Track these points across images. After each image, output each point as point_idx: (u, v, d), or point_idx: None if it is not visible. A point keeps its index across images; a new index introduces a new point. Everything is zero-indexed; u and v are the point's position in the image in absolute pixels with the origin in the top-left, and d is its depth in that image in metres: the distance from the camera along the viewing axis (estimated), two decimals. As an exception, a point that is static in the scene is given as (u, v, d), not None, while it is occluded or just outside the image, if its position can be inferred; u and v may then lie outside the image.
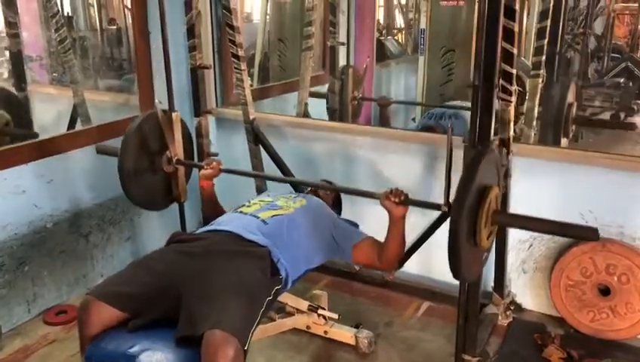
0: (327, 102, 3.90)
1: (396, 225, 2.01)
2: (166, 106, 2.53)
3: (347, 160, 2.94)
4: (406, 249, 2.52)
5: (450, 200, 1.87)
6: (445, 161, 1.89)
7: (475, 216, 1.72)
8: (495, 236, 1.94)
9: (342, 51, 3.98)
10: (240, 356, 1.54)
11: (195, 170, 2.60)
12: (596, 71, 5.00)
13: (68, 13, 3.30)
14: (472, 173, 1.72)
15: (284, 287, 1.95)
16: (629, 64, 4.79)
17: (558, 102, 3.35)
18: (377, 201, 2.08)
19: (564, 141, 3.41)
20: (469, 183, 1.69)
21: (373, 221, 2.29)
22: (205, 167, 2.35)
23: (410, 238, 2.53)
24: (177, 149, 2.50)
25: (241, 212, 2.13)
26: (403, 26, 5.49)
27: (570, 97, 3.44)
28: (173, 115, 2.49)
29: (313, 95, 3.64)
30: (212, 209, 2.36)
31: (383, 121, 3.97)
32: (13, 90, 2.92)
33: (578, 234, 1.88)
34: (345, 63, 3.95)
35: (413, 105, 4.30)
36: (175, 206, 2.74)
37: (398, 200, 1.96)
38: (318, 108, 3.78)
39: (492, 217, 1.79)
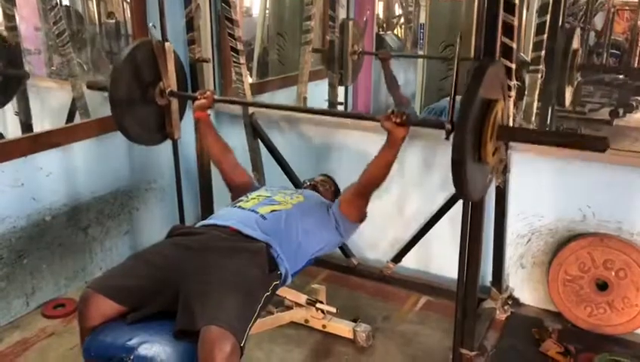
0: (328, 96, 3.89)
1: (392, 147, 1.99)
2: (159, 35, 2.45)
3: (346, 153, 2.94)
4: (412, 237, 2.52)
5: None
6: (453, 73, 1.83)
7: (480, 129, 1.67)
8: (500, 155, 1.86)
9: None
10: (236, 352, 1.54)
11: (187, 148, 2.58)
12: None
13: (66, 6, 3.29)
14: (476, 86, 1.65)
15: (282, 283, 1.95)
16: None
17: (563, 47, 3.30)
18: (377, 194, 2.08)
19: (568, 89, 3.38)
20: (474, 96, 1.62)
21: (375, 216, 2.30)
22: (199, 97, 2.35)
23: (415, 227, 2.55)
24: (170, 81, 2.45)
25: (239, 207, 2.13)
26: (402, 20, 5.48)
27: (576, 43, 3.40)
28: (167, 44, 2.42)
29: (315, 50, 3.57)
30: (212, 140, 2.37)
31: (387, 75, 3.89)
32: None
33: (585, 145, 1.76)
34: (345, 17, 3.87)
35: (415, 58, 4.26)
36: (174, 199, 2.75)
37: (400, 121, 1.94)
38: (317, 102, 3.78)
39: (497, 131, 1.73)
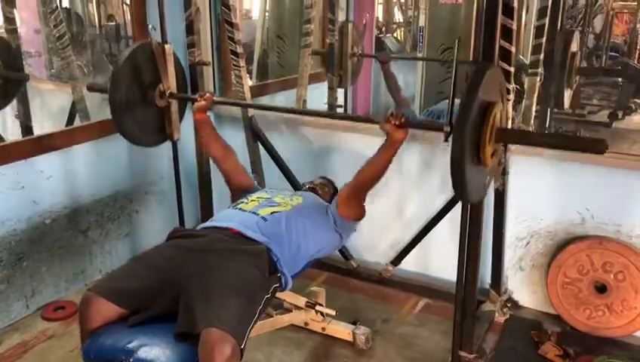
0: (327, 98, 3.90)
1: (391, 148, 2.00)
2: (158, 38, 2.46)
3: (345, 156, 2.94)
4: (411, 239, 2.52)
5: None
6: (452, 78, 1.83)
7: (479, 131, 1.68)
8: (498, 157, 1.87)
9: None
10: (237, 354, 1.55)
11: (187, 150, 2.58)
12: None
13: (66, 8, 3.29)
14: (474, 89, 1.66)
15: (282, 285, 1.95)
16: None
17: (561, 50, 3.31)
18: (376, 197, 2.08)
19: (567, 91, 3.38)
20: (472, 99, 1.63)
21: (374, 216, 2.30)
22: (198, 99, 2.35)
23: (414, 229, 2.55)
24: (170, 83, 2.45)
25: (240, 208, 2.13)
26: (402, 23, 5.50)
27: (574, 46, 3.41)
28: (167, 46, 2.43)
29: (314, 53, 3.58)
30: (213, 141, 2.38)
31: (387, 77, 3.89)
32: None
33: (584, 147, 1.79)
34: (344, 19, 3.87)
35: (414, 61, 4.28)
36: (173, 202, 2.75)
37: (399, 123, 1.94)
38: (317, 104, 3.78)
39: (496, 134, 1.74)
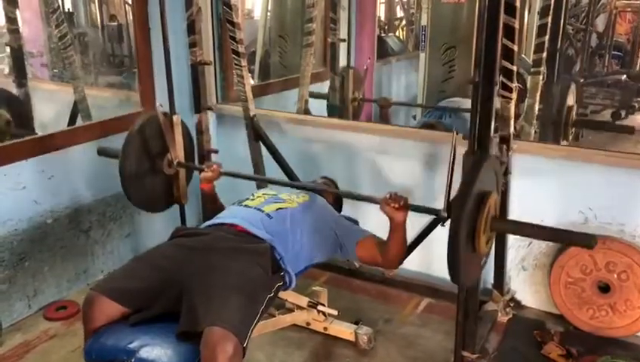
0: (328, 100, 3.90)
1: (397, 229, 2.01)
2: (166, 108, 2.52)
3: (348, 157, 2.94)
4: (413, 239, 2.52)
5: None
6: (448, 164, 1.88)
7: (475, 222, 1.74)
8: (493, 241, 1.97)
9: (342, 49, 3.96)
10: (239, 353, 1.55)
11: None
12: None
13: (68, 9, 3.30)
14: (471, 181, 1.74)
15: (286, 283, 1.95)
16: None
17: (558, 103, 3.33)
18: (379, 196, 2.07)
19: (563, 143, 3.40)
20: (469, 190, 1.71)
21: (373, 216, 2.29)
22: (206, 169, 2.35)
23: (410, 235, 2.54)
24: (178, 152, 2.51)
25: (245, 205, 2.13)
26: (404, 22, 5.49)
27: (571, 99, 3.42)
28: (174, 117, 2.50)
29: (313, 95, 3.63)
30: (213, 209, 2.36)
31: (384, 121, 3.97)
32: (14, 88, 2.92)
33: (574, 241, 1.91)
34: (345, 63, 3.94)
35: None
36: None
37: (398, 206, 1.96)
38: (318, 104, 3.78)
39: (491, 223, 1.81)
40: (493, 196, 1.81)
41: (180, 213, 2.74)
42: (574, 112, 3.47)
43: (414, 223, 2.63)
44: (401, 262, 2.14)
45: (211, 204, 2.38)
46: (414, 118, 4.23)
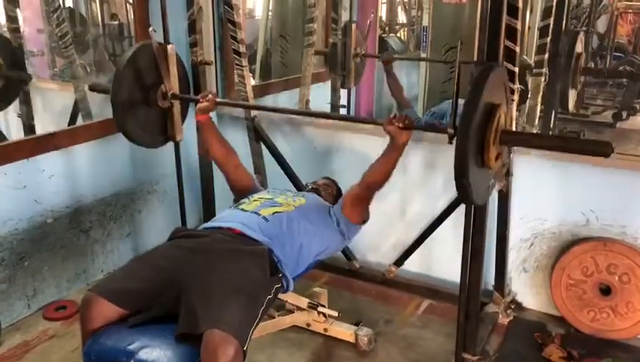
0: (330, 98, 3.89)
1: (395, 151, 2.00)
2: (161, 37, 2.45)
3: (349, 156, 2.93)
4: (414, 240, 2.52)
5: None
6: (453, 87, 1.82)
7: (483, 133, 1.67)
8: (502, 160, 1.86)
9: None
10: (240, 356, 1.54)
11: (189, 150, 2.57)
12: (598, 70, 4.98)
13: (69, 8, 3.29)
14: (478, 91, 1.64)
15: (284, 286, 1.95)
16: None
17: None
18: (379, 198, 2.07)
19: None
20: (476, 100, 1.62)
21: (374, 219, 2.29)
22: (201, 100, 2.33)
23: (417, 230, 2.54)
24: (172, 83, 2.44)
25: (242, 209, 2.12)
26: (405, 23, 5.48)
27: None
28: (169, 47, 2.42)
29: (318, 53, 3.57)
30: (215, 143, 2.37)
31: (389, 78, 3.89)
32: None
33: (589, 149, 1.77)
34: (347, 19, 3.86)
35: (418, 61, 4.28)
36: (175, 201, 2.74)
37: (402, 125, 1.94)
38: (319, 104, 3.77)
39: (500, 136, 1.73)
40: (502, 108, 1.73)
41: (181, 214, 2.74)
42: (582, 60, 3.44)
43: (415, 224, 2.63)
44: (377, 188, 2.13)
45: (210, 138, 2.37)
46: (415, 118, 4.22)
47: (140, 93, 2.37)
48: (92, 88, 2.53)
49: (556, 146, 1.98)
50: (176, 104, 2.50)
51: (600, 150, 1.66)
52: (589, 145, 1.77)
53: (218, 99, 2.33)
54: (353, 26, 3.71)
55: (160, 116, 2.49)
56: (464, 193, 1.66)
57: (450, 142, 1.77)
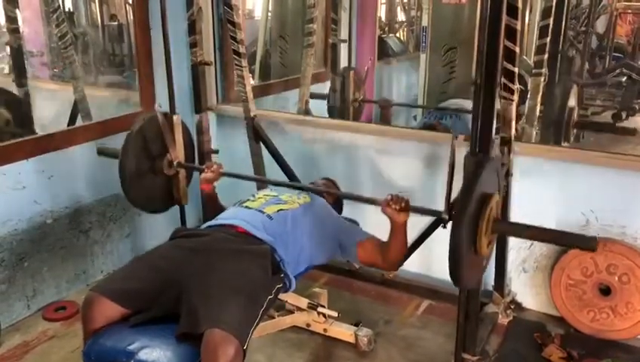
0: (328, 102, 3.89)
1: (398, 231, 2.00)
2: (166, 108, 2.51)
3: (348, 157, 2.94)
4: (414, 240, 2.51)
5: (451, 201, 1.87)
6: (448, 166, 1.87)
7: (476, 225, 1.73)
8: (495, 244, 1.97)
9: (343, 49, 3.95)
10: (240, 355, 1.54)
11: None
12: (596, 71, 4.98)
13: (69, 8, 3.29)
14: (473, 183, 1.73)
15: (286, 286, 1.95)
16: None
17: (559, 105, 3.33)
18: (380, 197, 2.06)
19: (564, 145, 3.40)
20: (471, 193, 1.70)
21: (373, 217, 2.28)
22: (206, 170, 2.34)
23: (411, 236, 2.53)
24: (178, 152, 2.50)
25: (246, 206, 2.12)
26: (405, 23, 5.48)
27: (572, 101, 3.42)
28: (174, 117, 2.49)
29: (314, 96, 3.62)
30: (213, 210, 2.35)
31: (384, 121, 3.97)
32: (14, 88, 2.91)
33: (576, 244, 1.90)
34: (346, 64, 3.93)
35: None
36: (175, 202, 2.74)
37: (399, 208, 1.95)
38: (319, 104, 3.77)
39: (492, 226, 1.81)
40: (495, 198, 1.80)
41: (180, 214, 2.73)
42: (575, 114, 3.47)
43: (415, 224, 2.62)
44: (401, 264, 2.14)
45: (212, 205, 2.37)
46: (415, 118, 4.23)
47: (146, 162, 2.43)
48: (100, 153, 2.59)
49: (544, 238, 2.04)
50: (182, 171, 2.54)
51: (586, 244, 1.77)
52: (576, 239, 1.87)
53: (222, 171, 2.34)
54: (351, 73, 3.85)
55: (165, 183, 2.53)
56: (458, 280, 1.76)
57: (445, 227, 1.85)
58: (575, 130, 3.51)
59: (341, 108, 3.84)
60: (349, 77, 3.82)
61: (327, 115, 3.82)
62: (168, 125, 2.46)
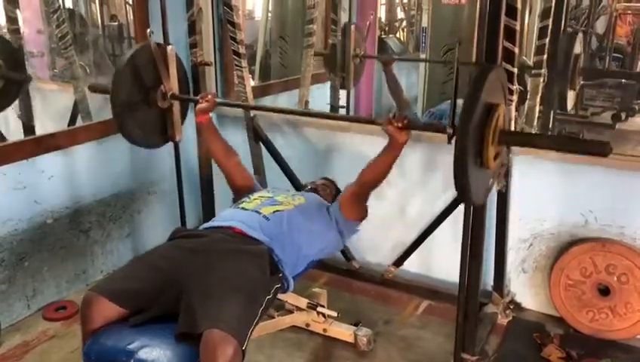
0: (330, 99, 3.89)
1: (394, 150, 2.01)
2: (160, 38, 2.46)
3: (348, 158, 2.94)
4: (416, 238, 2.52)
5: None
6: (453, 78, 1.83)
7: (482, 134, 1.67)
8: (502, 160, 1.86)
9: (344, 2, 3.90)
10: (239, 355, 1.54)
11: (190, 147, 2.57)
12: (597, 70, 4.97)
13: (69, 8, 3.29)
14: (477, 91, 1.64)
15: (284, 286, 1.95)
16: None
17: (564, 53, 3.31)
18: (379, 198, 2.07)
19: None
20: (475, 100, 1.62)
21: (374, 219, 2.29)
22: (200, 100, 2.33)
23: (416, 231, 2.54)
24: (172, 84, 2.45)
25: (242, 208, 2.13)
26: (405, 24, 5.48)
27: (578, 48, 3.40)
28: (168, 48, 2.43)
29: (316, 54, 3.55)
30: (215, 143, 2.37)
31: (389, 79, 3.88)
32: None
33: (588, 149, 1.77)
34: (347, 20, 3.85)
35: (417, 62, 4.25)
36: (175, 202, 2.75)
37: (401, 125, 1.94)
38: (319, 105, 3.77)
39: (499, 136, 1.73)
40: (501, 108, 1.73)
41: (180, 214, 2.74)
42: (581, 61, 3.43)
43: (422, 217, 2.63)
44: (372, 188, 2.15)
45: (211, 138, 2.38)
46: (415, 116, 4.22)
47: (139, 93, 2.38)
48: (92, 89, 2.54)
49: (554, 146, 1.98)
50: (176, 104, 2.51)
51: (598, 150, 1.67)
52: (587, 145, 1.78)
53: (218, 100, 2.33)
54: (352, 27, 3.71)
55: (159, 116, 2.49)
56: (463, 193, 1.66)
57: (450, 142, 1.77)
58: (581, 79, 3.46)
59: (342, 65, 3.73)
60: (350, 31, 3.68)
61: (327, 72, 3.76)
62: (162, 56, 2.40)
